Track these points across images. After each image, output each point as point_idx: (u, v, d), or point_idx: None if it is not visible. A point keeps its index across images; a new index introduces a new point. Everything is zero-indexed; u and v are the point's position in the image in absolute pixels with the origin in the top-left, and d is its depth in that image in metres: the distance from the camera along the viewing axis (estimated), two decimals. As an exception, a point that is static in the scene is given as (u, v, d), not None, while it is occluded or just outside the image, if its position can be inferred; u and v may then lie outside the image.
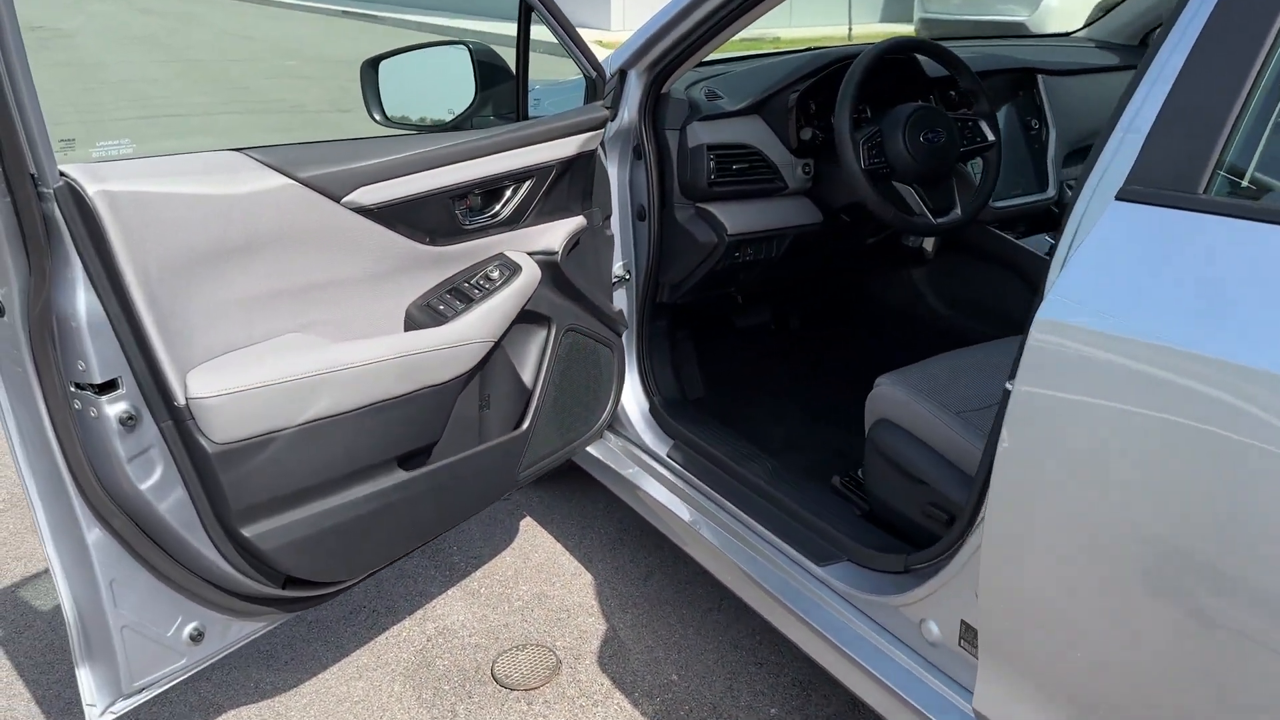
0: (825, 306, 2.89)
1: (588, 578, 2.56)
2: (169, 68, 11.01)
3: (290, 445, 1.56)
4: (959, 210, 2.24)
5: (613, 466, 2.45)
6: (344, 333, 1.69)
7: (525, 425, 2.02)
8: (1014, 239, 2.46)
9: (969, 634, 1.58)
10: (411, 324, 1.80)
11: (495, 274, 1.89)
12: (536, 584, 2.53)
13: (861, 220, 2.43)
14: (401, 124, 2.09)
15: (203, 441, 1.48)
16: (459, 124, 2.07)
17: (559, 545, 2.69)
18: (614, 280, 2.35)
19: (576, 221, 2.07)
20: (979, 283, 2.51)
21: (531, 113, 2.12)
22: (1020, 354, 1.28)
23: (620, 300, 2.41)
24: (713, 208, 2.27)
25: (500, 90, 2.11)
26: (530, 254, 1.99)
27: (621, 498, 2.49)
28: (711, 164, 2.22)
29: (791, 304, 2.91)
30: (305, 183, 1.56)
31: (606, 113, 2.03)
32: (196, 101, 8.97)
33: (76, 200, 1.32)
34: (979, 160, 2.31)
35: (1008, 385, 1.30)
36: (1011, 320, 2.51)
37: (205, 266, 1.48)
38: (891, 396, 2.00)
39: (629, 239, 2.37)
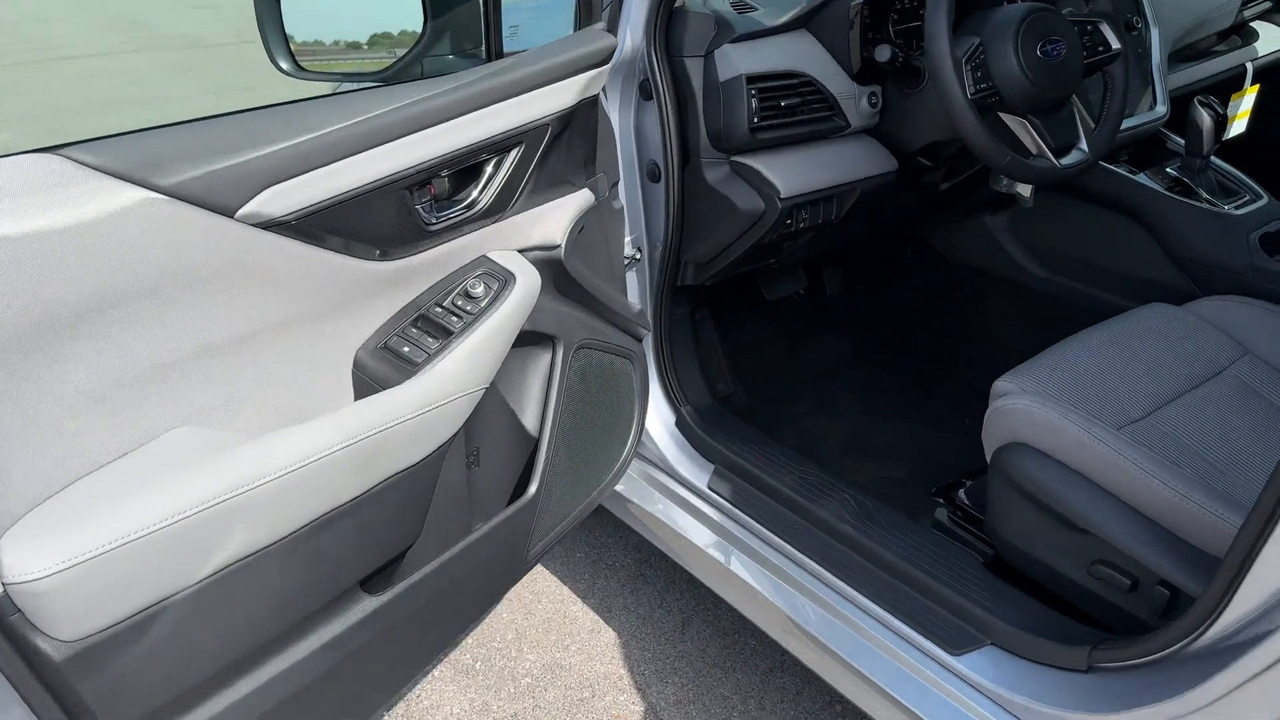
0: (876, 267, 2.33)
1: (609, 635, 2.03)
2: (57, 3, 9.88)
3: (189, 616, 0.98)
4: (1085, 146, 1.68)
5: (634, 500, 1.90)
6: (261, 414, 1.10)
7: (533, 489, 1.46)
8: (1129, 174, 1.92)
9: None
10: (364, 380, 1.21)
11: (479, 289, 1.30)
12: (546, 650, 2.00)
13: (941, 163, 1.87)
14: (322, 73, 1.45)
15: (43, 645, 0.90)
16: (405, 70, 1.44)
17: (566, 590, 2.15)
18: (624, 262, 1.77)
19: (581, 198, 1.48)
20: (1084, 234, 1.97)
21: (507, 46, 1.51)
22: None
23: (631, 287, 1.84)
24: (755, 161, 1.69)
25: (460, 16, 1.48)
26: (524, 252, 1.40)
27: (648, 538, 1.95)
28: (754, 102, 1.63)
29: (830, 265, 2.34)
30: (172, 193, 0.95)
31: (612, 40, 1.41)
32: (84, 41, 7.99)
33: None
34: (1097, 77, 1.74)
35: None
36: (1130, 282, 1.98)
37: (21, 351, 0.88)
38: (1027, 412, 1.46)
39: (638, 206, 1.79)
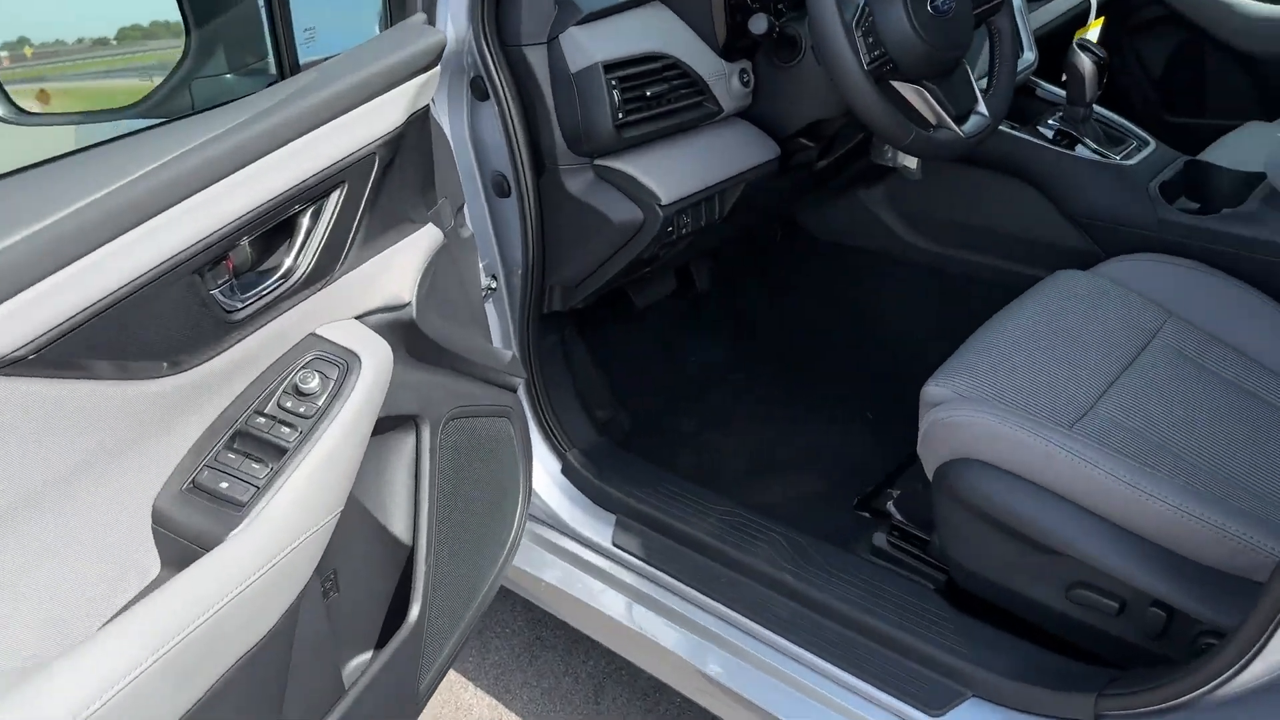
0: (744, 255, 2.12)
1: (512, 719, 1.76)
2: None
3: None
4: (983, 109, 1.51)
5: (524, 568, 1.63)
6: (26, 629, 0.76)
7: (415, 612, 1.16)
8: (1012, 130, 1.77)
9: None
10: (171, 538, 0.88)
11: (312, 382, 0.99)
12: (443, 753, 1.71)
13: (821, 142, 1.66)
14: (54, 115, 1.07)
15: None
16: (169, 101, 1.08)
17: (453, 674, 1.86)
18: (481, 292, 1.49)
19: (427, 237, 1.18)
20: (969, 200, 1.82)
21: (303, 55, 1.17)
22: None
23: (491, 323, 1.55)
24: (625, 164, 1.43)
25: (234, 19, 1.14)
26: (364, 318, 1.09)
27: (546, 609, 1.69)
28: (616, 95, 1.37)
29: (697, 259, 2.11)
30: None
31: (441, 35, 1.11)
32: None
33: None
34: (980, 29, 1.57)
35: None
36: (1025, 248, 1.76)
37: None
38: (973, 424, 1.29)
39: (486, 228, 1.50)
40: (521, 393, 1.59)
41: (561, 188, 1.44)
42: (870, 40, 1.34)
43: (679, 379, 2.03)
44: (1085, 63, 1.70)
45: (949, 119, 1.43)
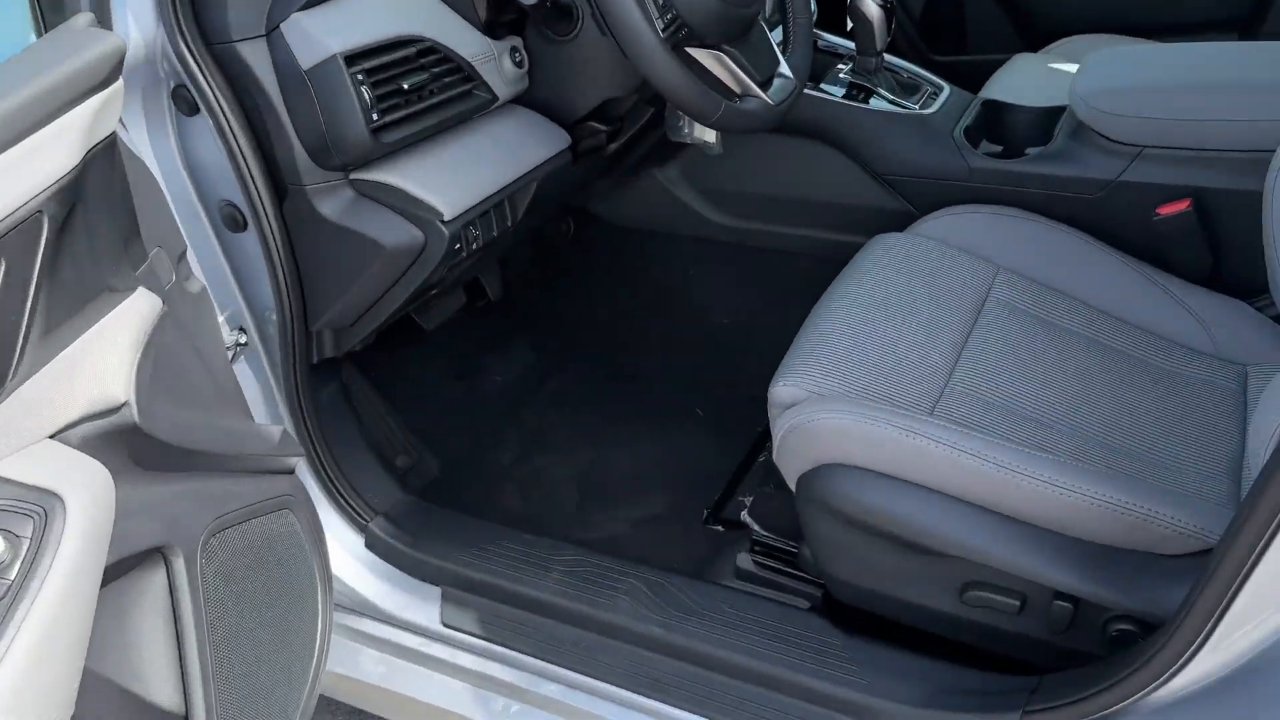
0: (535, 253, 1.89)
1: (354, 839, 1.49)
2: None
3: None
4: (786, 70, 1.35)
5: (336, 669, 1.36)
6: None
7: None
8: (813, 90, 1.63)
9: None
10: None
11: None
12: None
13: (612, 123, 1.45)
14: None
15: None
16: None
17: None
18: (229, 351, 1.21)
19: (139, 305, 0.88)
20: (770, 169, 1.67)
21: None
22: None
23: (248, 387, 1.26)
24: (392, 175, 1.17)
25: None
26: (64, 435, 0.80)
27: (374, 712, 1.42)
28: (365, 92, 1.10)
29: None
30: None
31: (117, 39, 0.82)
32: None
33: None
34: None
35: None
36: (836, 214, 1.63)
37: None
38: (836, 427, 1.15)
39: (221, 272, 1.22)
40: (303, 465, 1.31)
41: (313, 212, 1.16)
42: (660, 3, 1.15)
43: (486, 403, 1.79)
44: (872, 7, 1.58)
45: (754, 85, 1.26)
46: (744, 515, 1.45)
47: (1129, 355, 1.31)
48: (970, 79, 1.85)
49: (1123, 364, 1.30)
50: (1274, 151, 1.24)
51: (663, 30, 1.14)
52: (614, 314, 1.89)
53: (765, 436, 1.65)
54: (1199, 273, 1.42)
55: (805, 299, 1.37)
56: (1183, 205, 1.38)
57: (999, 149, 1.60)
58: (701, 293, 1.82)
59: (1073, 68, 2.02)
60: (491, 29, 1.28)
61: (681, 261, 1.83)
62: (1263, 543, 0.78)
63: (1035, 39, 2.25)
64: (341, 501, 1.37)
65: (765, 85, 1.30)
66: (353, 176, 1.17)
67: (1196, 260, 1.41)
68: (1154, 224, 1.41)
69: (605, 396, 1.77)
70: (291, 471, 1.16)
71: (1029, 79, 1.95)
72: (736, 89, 1.26)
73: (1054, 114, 1.58)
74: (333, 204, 1.16)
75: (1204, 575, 0.85)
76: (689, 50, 1.23)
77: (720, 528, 1.51)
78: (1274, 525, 0.77)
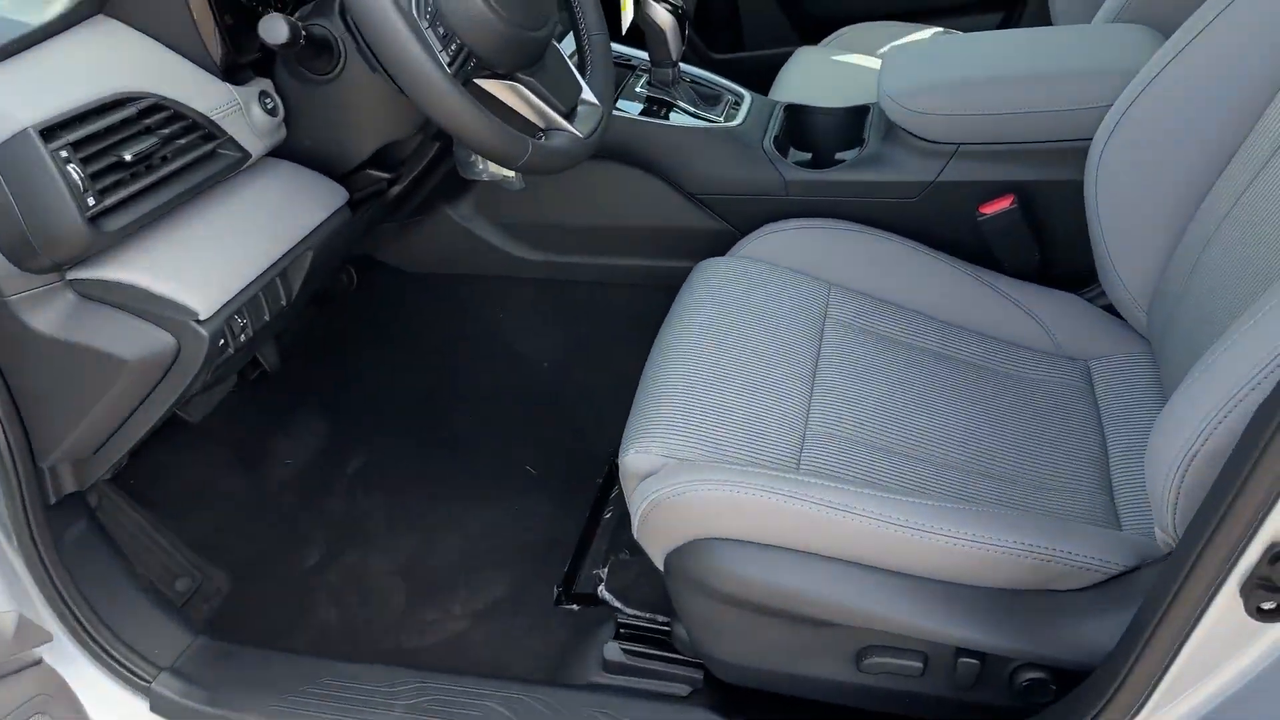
0: (315, 318, 1.64)
1: None
2: None
3: None
4: (589, 95, 1.19)
5: None
6: None
7: None
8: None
9: None
10: None
11: None
12: None
13: (394, 168, 1.25)
14: None
15: None
16: None
17: None
18: None
19: None
20: (574, 197, 1.51)
21: None
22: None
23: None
24: (122, 272, 0.93)
25: None
26: None
27: None
28: (74, 171, 0.86)
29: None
30: None
31: None
32: None
33: None
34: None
35: None
36: (651, 239, 1.51)
37: None
38: (702, 497, 1.03)
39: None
40: (57, 630, 1.05)
41: (23, 328, 0.91)
42: (441, 32, 0.96)
43: (277, 497, 1.54)
44: (662, 14, 1.46)
45: (559, 117, 1.10)
46: (601, 591, 1.30)
47: (975, 365, 1.26)
48: (754, 76, 1.77)
49: (971, 375, 1.24)
50: (1091, 140, 1.22)
51: (449, 63, 0.95)
52: (417, 373, 1.68)
53: (607, 488, 1.51)
54: (1028, 269, 1.39)
55: (631, 333, 1.24)
56: (1006, 203, 1.34)
57: (808, 156, 1.52)
58: (515, 337, 1.65)
59: (857, 59, 1.98)
60: (232, 73, 1.05)
61: (488, 305, 1.65)
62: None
63: (810, 30, 2.22)
64: (114, 663, 1.11)
65: (570, 115, 1.14)
66: (71, 277, 0.92)
67: (1025, 257, 1.38)
68: (979, 224, 1.37)
69: (420, 470, 1.56)
70: (38, 662, 0.91)
71: (818, 76, 1.90)
72: (540, 123, 1.10)
73: (859, 114, 1.52)
74: (47, 315, 0.91)
75: (1138, 628, 0.78)
76: (479, 83, 1.06)
77: (575, 606, 1.35)
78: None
